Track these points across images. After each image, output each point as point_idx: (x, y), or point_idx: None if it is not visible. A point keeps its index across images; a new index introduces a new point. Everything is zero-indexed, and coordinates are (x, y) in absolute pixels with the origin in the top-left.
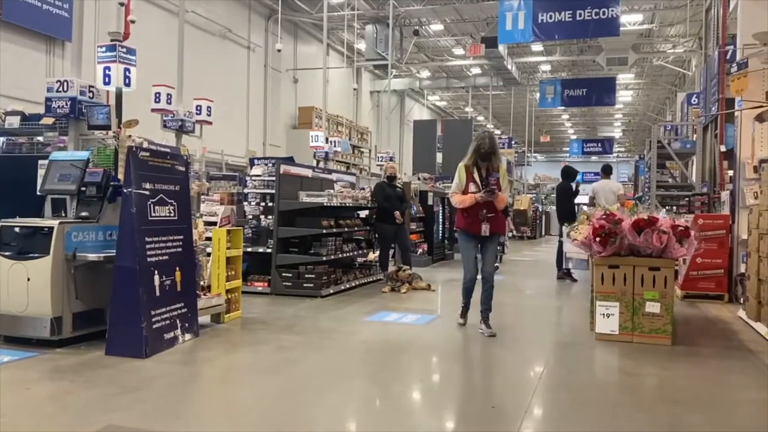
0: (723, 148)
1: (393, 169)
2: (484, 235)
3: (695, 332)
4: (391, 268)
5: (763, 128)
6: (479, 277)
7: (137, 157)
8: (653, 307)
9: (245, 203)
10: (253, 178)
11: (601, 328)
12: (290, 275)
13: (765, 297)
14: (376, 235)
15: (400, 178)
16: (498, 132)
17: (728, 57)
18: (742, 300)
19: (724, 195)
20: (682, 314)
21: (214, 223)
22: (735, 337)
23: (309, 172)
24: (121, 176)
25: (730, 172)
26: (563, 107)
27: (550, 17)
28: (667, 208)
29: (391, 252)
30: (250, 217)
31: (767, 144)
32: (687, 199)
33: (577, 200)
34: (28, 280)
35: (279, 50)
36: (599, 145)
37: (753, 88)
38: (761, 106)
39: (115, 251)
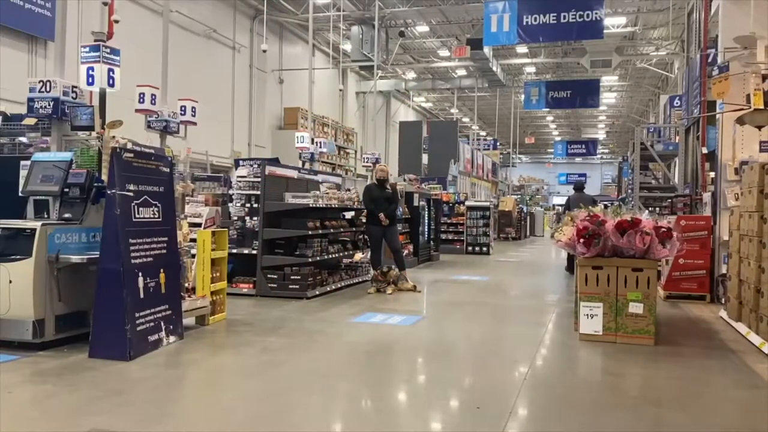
0: (705, 150)
1: (382, 173)
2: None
3: (678, 332)
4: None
5: (744, 131)
6: None
7: (121, 158)
8: (636, 308)
9: (230, 204)
10: (238, 179)
11: (584, 328)
12: (276, 277)
13: (746, 297)
14: (365, 237)
15: (391, 174)
16: (483, 134)
17: (710, 60)
18: (723, 300)
19: (706, 196)
20: (665, 315)
21: (198, 225)
22: (716, 337)
23: (294, 173)
24: (104, 177)
25: (712, 174)
26: (548, 109)
27: (535, 20)
28: (650, 209)
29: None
30: (235, 218)
31: (748, 146)
32: (669, 200)
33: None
34: (10, 282)
35: (264, 51)
36: (583, 146)
37: (734, 91)
38: (742, 109)
39: (98, 253)
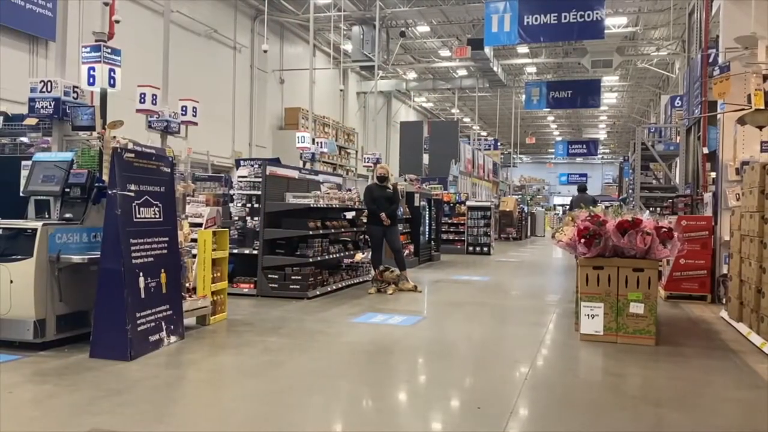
0: (705, 150)
1: (383, 170)
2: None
3: (678, 332)
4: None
5: (745, 131)
6: None
7: (122, 158)
8: (637, 308)
9: (231, 204)
10: (239, 179)
11: (585, 328)
12: (276, 277)
13: (747, 298)
14: (366, 237)
15: (392, 174)
16: (484, 134)
17: (711, 60)
18: (724, 300)
19: (707, 197)
20: (666, 315)
21: (199, 225)
22: (717, 338)
23: (295, 173)
24: (105, 177)
25: (713, 174)
26: (549, 109)
27: (536, 20)
28: (650, 209)
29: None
30: (236, 218)
31: (749, 146)
32: (670, 200)
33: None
34: (11, 282)
35: (265, 51)
36: (584, 146)
37: (735, 91)
38: (743, 109)
39: (99, 253)
